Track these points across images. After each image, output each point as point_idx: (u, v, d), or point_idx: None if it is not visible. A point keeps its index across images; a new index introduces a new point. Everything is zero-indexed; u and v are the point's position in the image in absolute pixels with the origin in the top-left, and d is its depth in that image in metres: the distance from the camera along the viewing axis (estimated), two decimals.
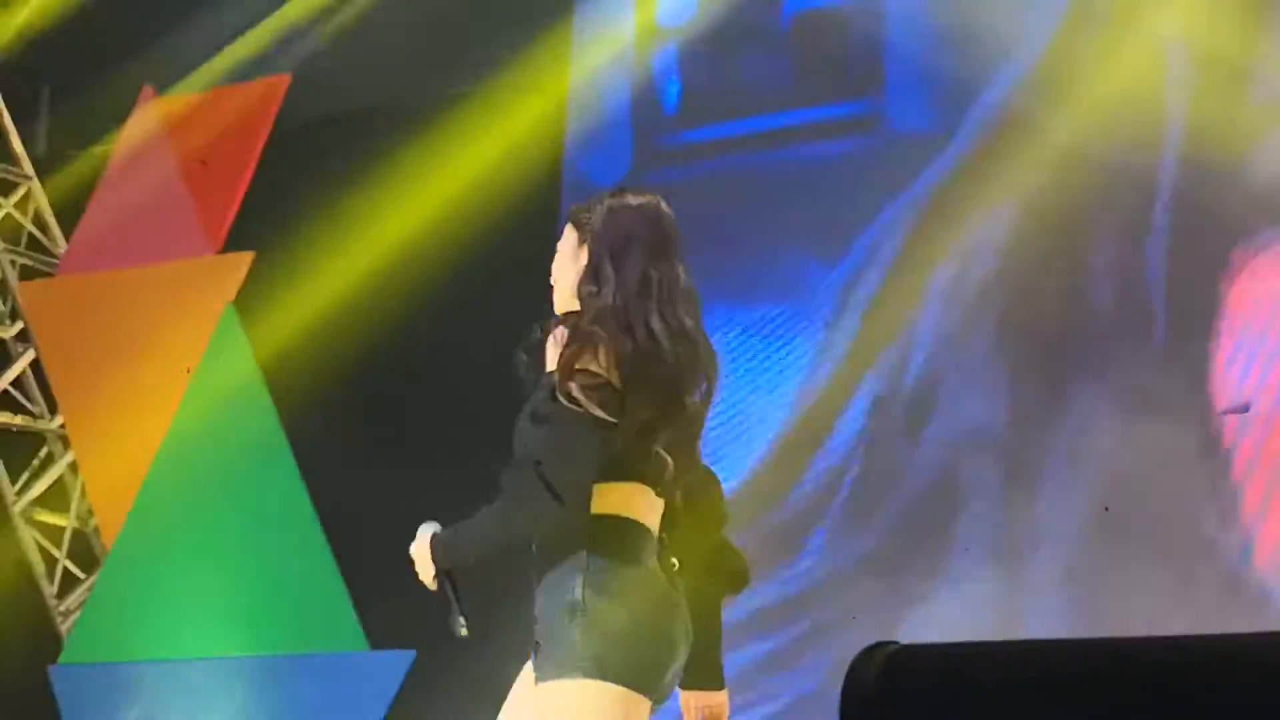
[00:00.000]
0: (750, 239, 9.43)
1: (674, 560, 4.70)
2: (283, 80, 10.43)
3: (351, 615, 9.57)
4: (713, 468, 4.85)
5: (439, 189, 9.93)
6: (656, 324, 4.62)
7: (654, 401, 4.57)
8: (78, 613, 10.68)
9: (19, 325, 11.36)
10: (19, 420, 11.38)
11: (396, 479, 10.05)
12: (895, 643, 3.48)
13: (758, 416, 9.18)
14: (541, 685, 4.50)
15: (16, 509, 11.17)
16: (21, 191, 11.60)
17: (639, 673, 4.52)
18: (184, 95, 10.60)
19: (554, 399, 4.51)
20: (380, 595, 9.78)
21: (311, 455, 9.87)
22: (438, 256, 9.88)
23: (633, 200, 4.85)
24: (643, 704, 4.54)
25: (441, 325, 10.02)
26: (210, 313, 10.20)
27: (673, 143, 9.85)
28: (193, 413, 10.05)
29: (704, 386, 4.70)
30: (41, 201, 11.58)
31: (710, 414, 4.73)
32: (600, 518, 4.58)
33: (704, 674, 4.83)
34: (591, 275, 4.74)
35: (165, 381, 10.19)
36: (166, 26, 10.49)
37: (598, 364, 4.53)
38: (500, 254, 9.90)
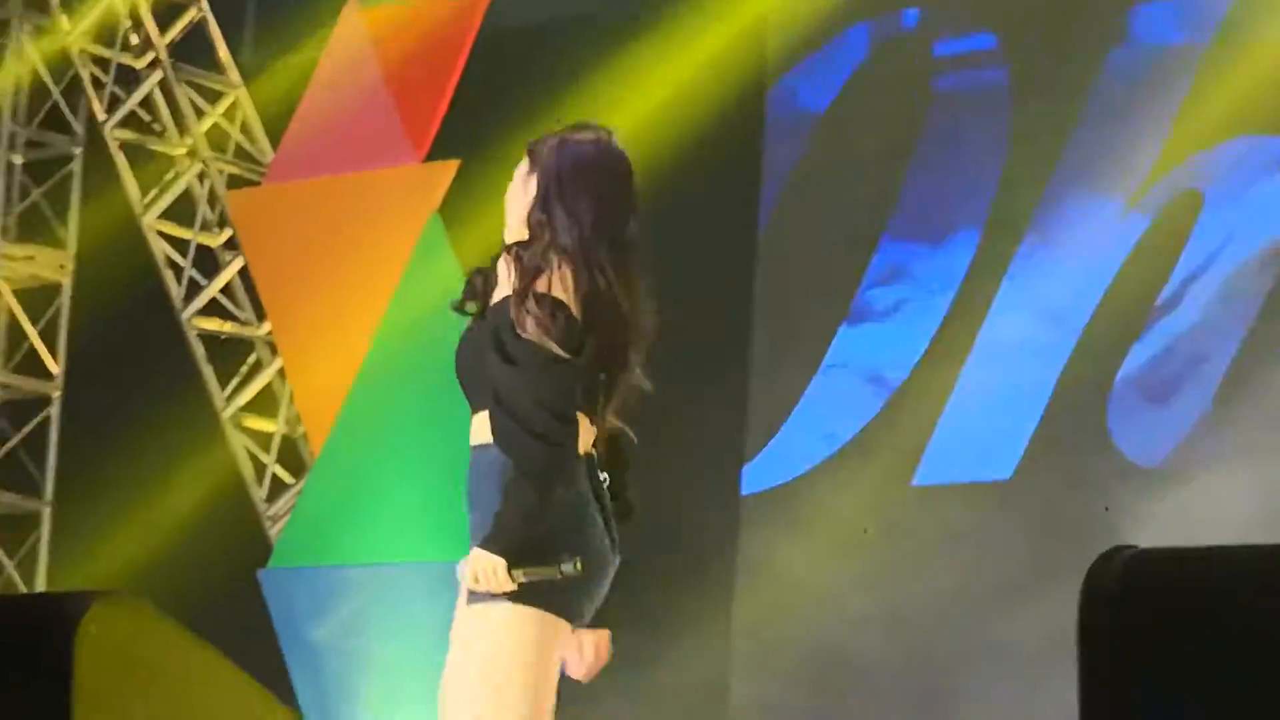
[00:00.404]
0: None
1: (603, 475, 4.73)
2: None
3: None
4: None
5: (641, 100, 9.83)
6: (607, 263, 4.64)
7: (605, 340, 4.57)
8: (286, 517, 10.68)
9: (227, 233, 11.36)
10: (228, 327, 11.39)
11: None
12: (1133, 546, 3.37)
13: None
14: (472, 607, 4.55)
15: (226, 415, 11.17)
16: (229, 100, 11.57)
17: (556, 596, 4.53)
18: (389, 2, 10.50)
19: (518, 336, 4.49)
20: None
21: None
22: (640, 166, 9.80)
23: (585, 136, 4.85)
24: (559, 625, 4.57)
25: (644, 237, 9.93)
26: (415, 221, 10.12)
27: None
28: (398, 320, 9.99)
29: (642, 338, 4.70)
30: (249, 110, 11.56)
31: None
32: None
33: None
34: (540, 204, 4.69)
35: (371, 288, 10.13)
36: None
37: (562, 289, 4.52)
38: (703, 167, 9.79)
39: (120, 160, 11.37)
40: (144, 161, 11.49)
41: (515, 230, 4.77)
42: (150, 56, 11.44)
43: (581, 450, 4.63)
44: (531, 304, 4.47)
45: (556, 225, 4.66)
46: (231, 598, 10.08)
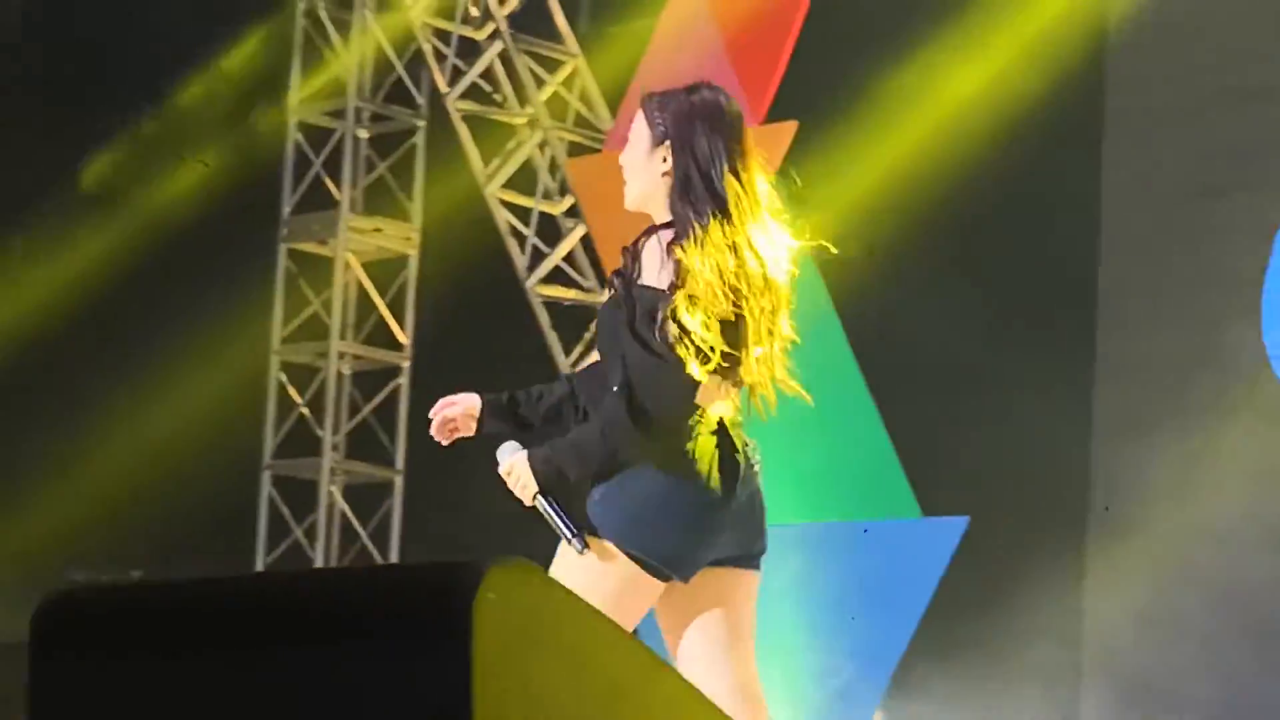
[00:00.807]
0: None
1: (747, 442, 5.02)
2: None
3: (904, 483, 9.37)
4: None
5: (981, 65, 9.69)
6: (752, 235, 4.82)
7: (755, 310, 4.76)
8: None
9: (569, 200, 11.34)
10: (571, 294, 11.38)
11: (946, 346, 9.82)
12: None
13: None
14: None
15: None
16: (568, 70, 11.55)
17: (654, 551, 4.81)
18: None
19: (664, 338, 4.70)
20: (933, 463, 9.60)
21: (859, 325, 9.67)
22: (979, 132, 9.69)
23: (705, 94, 4.98)
24: (654, 585, 4.85)
25: (984, 198, 9.82)
26: None
27: None
28: None
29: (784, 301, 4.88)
30: (587, 79, 11.52)
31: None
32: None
33: None
34: (681, 193, 4.84)
35: None
36: None
37: (702, 319, 4.70)
38: (1043, 132, 9.62)
39: (463, 131, 11.39)
40: (485, 132, 11.51)
41: (636, 196, 4.99)
42: (490, 28, 11.45)
43: (717, 414, 4.84)
44: (674, 328, 4.67)
45: (703, 216, 4.79)
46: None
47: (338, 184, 11.56)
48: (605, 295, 10.81)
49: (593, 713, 3.39)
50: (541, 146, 11.41)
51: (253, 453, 11.51)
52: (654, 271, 4.77)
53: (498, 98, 11.49)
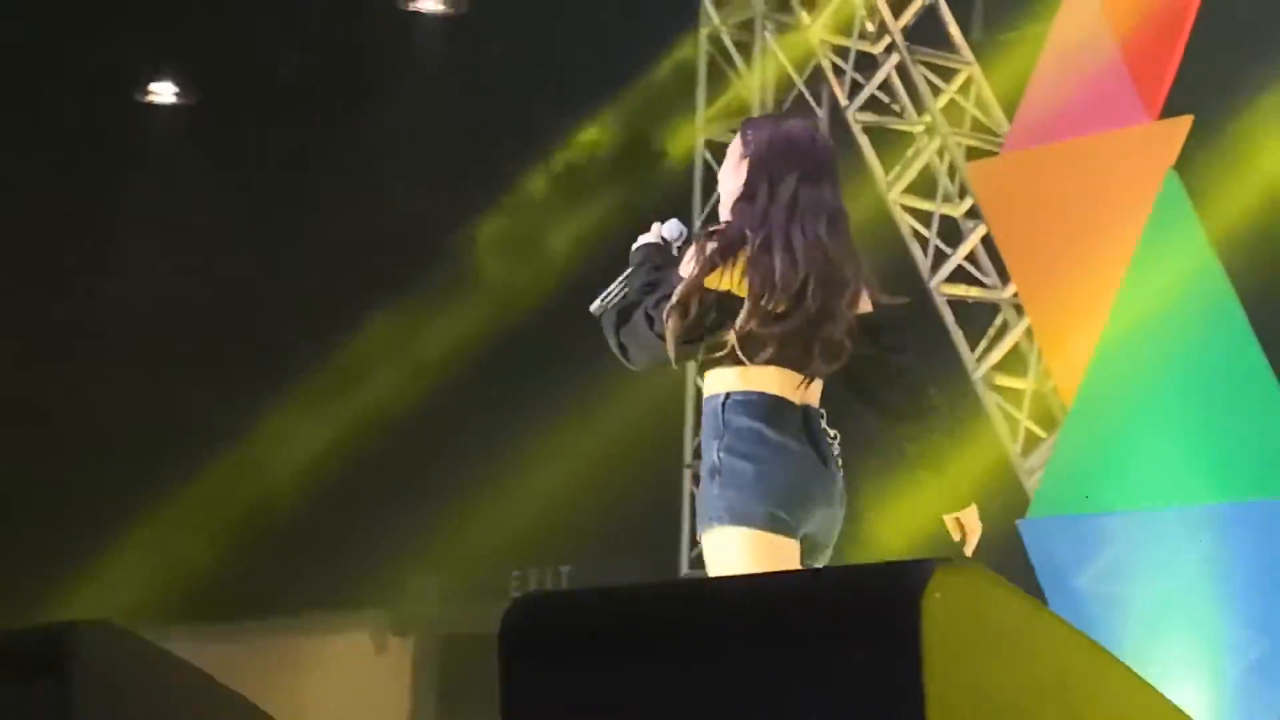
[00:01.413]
0: None
1: (830, 431, 5.33)
2: None
3: None
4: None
5: None
6: (795, 237, 5.11)
7: (775, 300, 5.08)
8: (1041, 470, 10.55)
9: (968, 202, 11.29)
10: (974, 292, 11.32)
11: None
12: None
13: None
14: (701, 535, 5.31)
15: (977, 375, 11.10)
16: (962, 77, 11.50)
17: (769, 517, 5.21)
18: None
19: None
20: None
21: (1263, 310, 9.47)
22: None
23: (795, 126, 5.28)
24: (783, 542, 5.27)
25: None
26: (1151, 178, 9.84)
27: None
28: (1141, 273, 9.73)
29: (838, 288, 5.16)
30: (982, 85, 11.46)
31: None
32: (734, 395, 5.21)
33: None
34: (749, 194, 5.20)
35: (1111, 245, 9.90)
36: None
37: (726, 277, 5.11)
38: None
39: (863, 141, 11.40)
40: (884, 141, 11.50)
41: (724, 207, 5.30)
42: (886, 42, 11.44)
43: (797, 400, 5.21)
44: (676, 303, 5.12)
45: (755, 214, 5.15)
46: (995, 546, 9.98)
47: None
48: (1009, 294, 10.79)
49: (1040, 705, 3.37)
50: (940, 152, 11.37)
51: (674, 456, 11.63)
52: (685, 265, 5.20)
53: (895, 108, 11.48)
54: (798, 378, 5.23)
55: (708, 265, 5.15)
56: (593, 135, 12.17)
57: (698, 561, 11.41)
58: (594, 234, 11.76)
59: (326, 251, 12.87)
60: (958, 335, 11.17)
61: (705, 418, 5.29)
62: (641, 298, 5.32)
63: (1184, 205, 9.63)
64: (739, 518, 5.23)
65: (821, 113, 11.71)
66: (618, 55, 11.76)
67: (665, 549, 11.55)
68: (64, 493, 14.35)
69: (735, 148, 5.38)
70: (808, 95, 11.70)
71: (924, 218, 11.33)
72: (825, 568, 5.06)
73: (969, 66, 11.45)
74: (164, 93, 14.67)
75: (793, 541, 5.31)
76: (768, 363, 5.20)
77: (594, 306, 5.55)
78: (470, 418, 12.69)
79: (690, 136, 11.91)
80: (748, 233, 5.14)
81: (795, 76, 11.63)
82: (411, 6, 13.20)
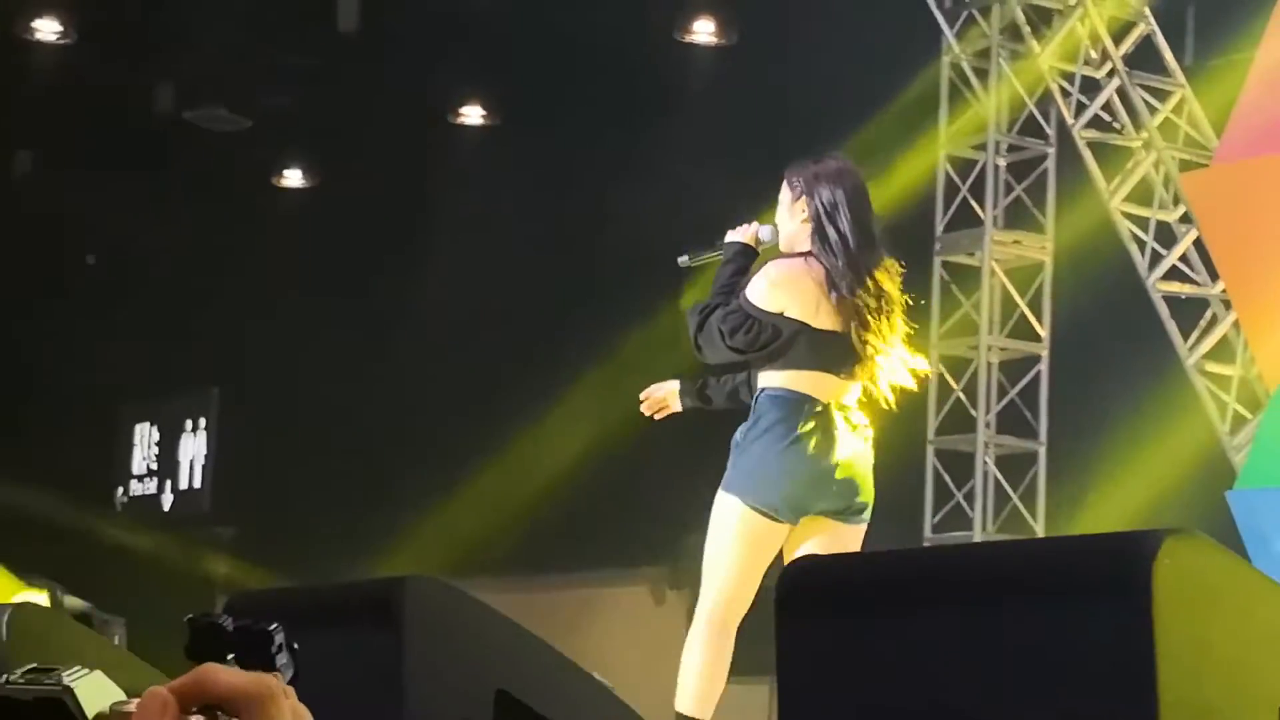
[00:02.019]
0: None
1: (858, 423, 5.67)
2: None
3: None
4: None
5: None
6: (859, 269, 5.60)
7: (856, 325, 5.63)
8: (1247, 447, 10.34)
9: (1181, 209, 11.10)
10: (1187, 289, 11.15)
11: None
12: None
13: None
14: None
15: (1189, 363, 10.94)
16: (1176, 98, 11.30)
17: (765, 501, 5.57)
18: None
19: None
20: None
21: None
22: None
23: (830, 161, 5.76)
24: (771, 525, 5.60)
25: None
26: None
27: None
28: None
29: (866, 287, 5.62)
30: (1194, 105, 11.26)
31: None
32: (768, 391, 5.58)
33: None
34: (818, 229, 5.62)
35: None
36: None
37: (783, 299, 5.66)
38: None
39: (1087, 156, 11.25)
40: (1106, 155, 11.34)
41: (784, 239, 5.74)
42: (1108, 67, 11.27)
43: (826, 398, 5.58)
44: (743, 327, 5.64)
45: (828, 246, 5.60)
46: (1202, 516, 9.80)
47: (982, 205, 11.51)
48: (1218, 290, 10.61)
49: (1256, 657, 3.30)
50: (1156, 165, 11.19)
51: (919, 431, 11.54)
52: (754, 282, 5.67)
53: (1116, 125, 11.30)
54: (831, 378, 5.58)
55: (768, 295, 5.60)
56: (850, 148, 12.14)
57: (941, 525, 11.32)
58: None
59: (621, 254, 12.92)
60: (1172, 327, 11.03)
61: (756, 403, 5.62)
62: (718, 302, 5.69)
63: None
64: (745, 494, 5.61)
65: (1051, 130, 11.56)
66: (870, 81, 11.69)
67: (911, 515, 11.46)
68: (389, 468, 14.61)
69: (785, 191, 5.73)
70: (1038, 115, 11.55)
71: (1142, 223, 11.18)
72: (1068, 536, 5.00)
73: (1182, 88, 11.25)
74: (472, 115, 14.85)
75: (781, 526, 5.62)
76: (798, 366, 5.57)
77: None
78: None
79: (933, 154, 11.80)
80: (820, 259, 5.58)
81: (1026, 99, 11.50)
82: (687, 38, 13.22)
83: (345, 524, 14.23)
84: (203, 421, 16.49)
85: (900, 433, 11.62)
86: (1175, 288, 11.09)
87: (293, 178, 16.07)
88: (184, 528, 16.11)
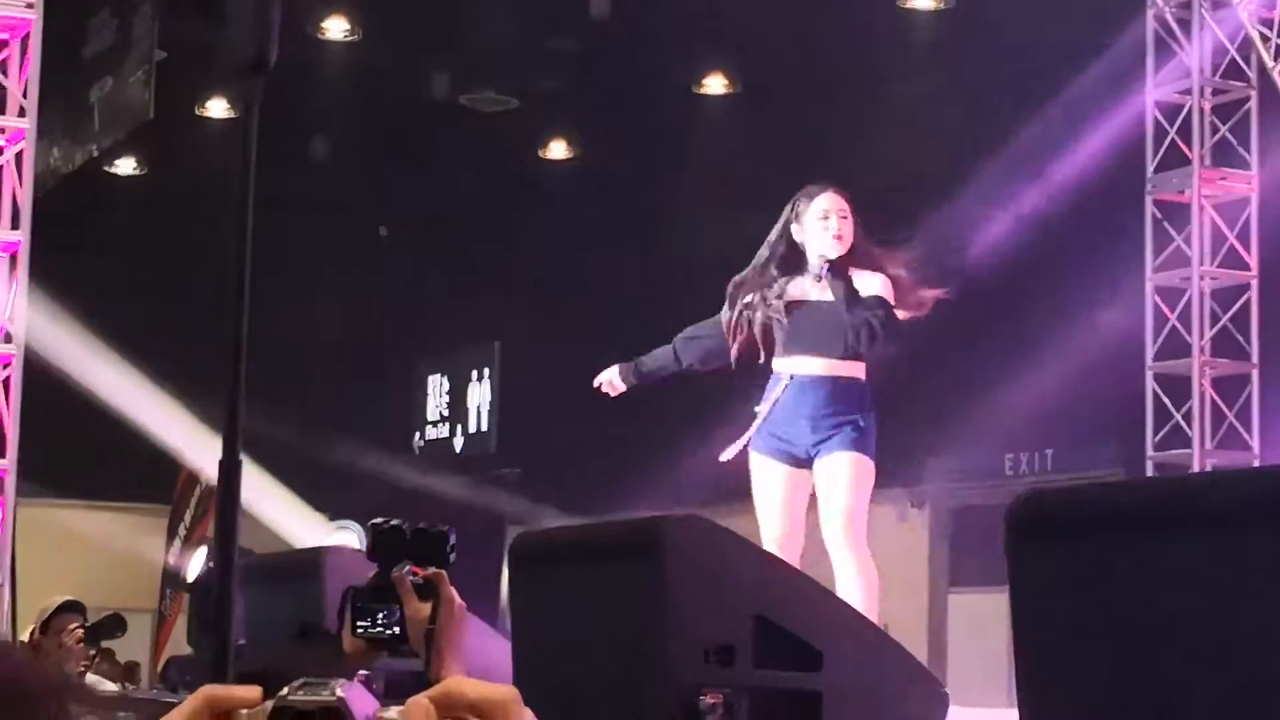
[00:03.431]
0: None
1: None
2: None
3: None
4: None
5: None
6: None
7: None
8: None
9: None
10: None
11: None
12: None
13: None
14: None
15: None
16: None
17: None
18: None
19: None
20: None
21: None
22: None
23: None
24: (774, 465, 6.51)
25: None
26: None
27: None
28: None
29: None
30: None
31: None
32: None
33: None
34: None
35: None
36: None
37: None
38: None
39: None
40: None
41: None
42: None
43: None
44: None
45: None
46: None
47: (1189, 146, 11.20)
48: None
49: None
50: None
51: (1138, 358, 11.31)
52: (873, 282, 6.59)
53: None
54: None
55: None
56: (1064, 96, 11.96)
57: (1162, 444, 11.07)
58: (1072, 173, 11.66)
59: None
60: None
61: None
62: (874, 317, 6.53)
63: None
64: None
65: (1252, 74, 11.18)
66: (1078, 37, 11.44)
67: (1132, 435, 11.23)
68: (657, 410, 14.67)
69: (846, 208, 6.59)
70: (1239, 59, 11.18)
71: None
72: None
73: None
74: (714, 85, 14.79)
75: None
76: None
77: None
78: (969, 332, 12.47)
79: (1142, 100, 11.51)
80: None
81: (1228, 45, 11.13)
82: (908, 4, 13.04)
83: (617, 463, 14.32)
84: (487, 371, 16.71)
85: (1121, 360, 11.44)
86: None
87: (556, 150, 16.18)
88: (474, 469, 16.35)
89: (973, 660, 12.94)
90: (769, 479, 6.38)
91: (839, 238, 6.45)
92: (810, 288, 6.47)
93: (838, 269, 6.32)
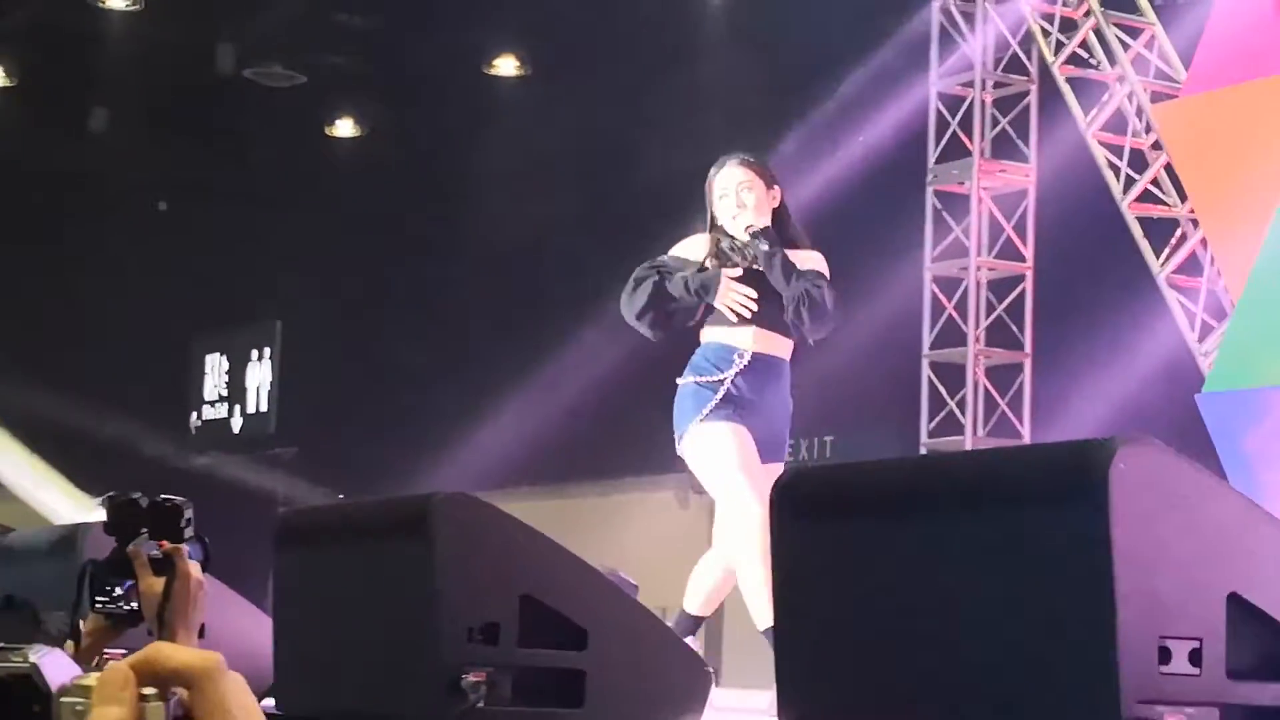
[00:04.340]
0: None
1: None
2: None
3: None
4: None
5: None
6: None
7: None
8: (1214, 353, 10.26)
9: (1153, 137, 10.98)
10: (1158, 210, 11.04)
11: None
12: None
13: None
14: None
15: (1160, 276, 10.85)
16: (1147, 35, 11.17)
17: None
18: None
19: None
20: None
21: None
22: None
23: None
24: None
25: None
26: None
27: None
28: None
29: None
30: (1163, 41, 11.12)
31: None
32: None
33: None
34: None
35: (1271, 168, 9.55)
36: None
37: None
38: None
39: (1066, 90, 11.14)
40: (1084, 89, 11.21)
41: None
42: (1085, 7, 11.14)
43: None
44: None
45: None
46: (1173, 419, 9.74)
47: (970, 137, 11.42)
48: (1186, 210, 10.51)
49: (1205, 550, 3.28)
50: (1129, 97, 11.07)
51: (915, 344, 11.51)
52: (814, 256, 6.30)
53: (1092, 61, 11.18)
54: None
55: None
56: (848, 87, 12.06)
57: (936, 431, 11.29)
58: (854, 163, 11.79)
59: (647, 190, 12.87)
60: (1144, 245, 10.94)
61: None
62: (810, 286, 6.22)
63: None
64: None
65: (1032, 68, 11.45)
66: (863, 26, 11.61)
67: (908, 422, 11.44)
68: (432, 391, 14.62)
69: (758, 182, 6.14)
70: (1020, 53, 11.44)
71: (1116, 151, 11.07)
72: (1033, 445, 4.79)
73: (1153, 26, 11.13)
74: (506, 67, 14.75)
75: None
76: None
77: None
78: None
79: (924, 91, 11.71)
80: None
81: (1010, 39, 11.38)
82: None
83: (394, 443, 14.25)
84: (267, 351, 16.50)
85: (898, 347, 11.64)
86: (1147, 209, 11.00)
87: (344, 128, 16.01)
88: (251, 449, 16.15)
89: (751, 641, 13.09)
90: (742, 442, 5.84)
91: (741, 207, 6.08)
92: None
93: (763, 235, 5.97)
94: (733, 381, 5.94)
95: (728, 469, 5.81)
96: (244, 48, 14.63)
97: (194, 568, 3.41)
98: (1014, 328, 11.40)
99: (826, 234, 12.12)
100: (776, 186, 6.24)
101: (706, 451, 5.88)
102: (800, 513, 3.58)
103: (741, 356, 6.01)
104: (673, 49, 13.15)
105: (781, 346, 6.08)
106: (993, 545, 3.20)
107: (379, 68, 14.60)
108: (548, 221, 14.17)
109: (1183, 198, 10.84)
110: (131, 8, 13.97)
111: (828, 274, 6.14)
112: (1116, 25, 11.12)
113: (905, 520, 3.34)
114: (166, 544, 3.42)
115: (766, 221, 6.06)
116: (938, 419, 11.31)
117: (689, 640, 5.76)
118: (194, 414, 17.15)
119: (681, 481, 13.85)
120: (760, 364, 6.00)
